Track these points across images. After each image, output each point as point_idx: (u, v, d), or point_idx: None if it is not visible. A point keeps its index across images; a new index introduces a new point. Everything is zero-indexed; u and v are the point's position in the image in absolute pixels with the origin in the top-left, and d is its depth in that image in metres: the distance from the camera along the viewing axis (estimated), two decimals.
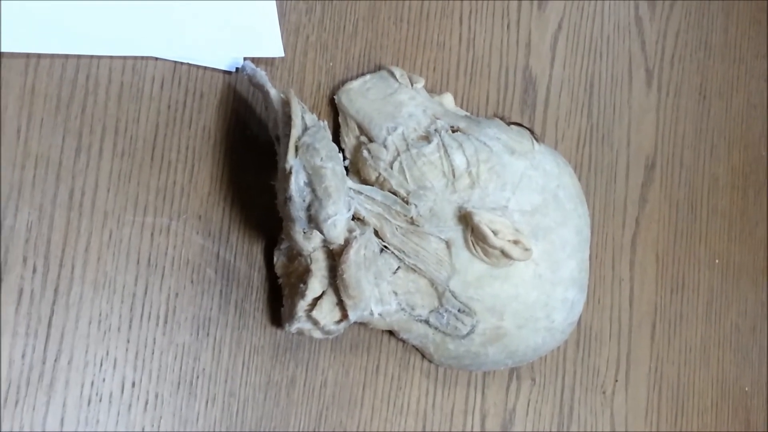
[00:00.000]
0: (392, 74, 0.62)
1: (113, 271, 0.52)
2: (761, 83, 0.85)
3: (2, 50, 0.49)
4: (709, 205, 0.78)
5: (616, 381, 0.70)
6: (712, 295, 0.77)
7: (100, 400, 0.51)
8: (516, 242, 0.57)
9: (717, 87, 0.81)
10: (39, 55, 0.51)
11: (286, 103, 0.53)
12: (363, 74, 0.61)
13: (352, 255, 0.53)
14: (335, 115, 0.60)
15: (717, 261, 0.78)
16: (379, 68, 0.62)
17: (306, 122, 0.52)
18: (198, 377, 0.54)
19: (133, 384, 0.52)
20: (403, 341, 0.60)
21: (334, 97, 0.60)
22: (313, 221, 0.51)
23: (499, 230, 0.56)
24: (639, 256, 0.73)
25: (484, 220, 0.56)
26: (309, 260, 0.54)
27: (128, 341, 0.52)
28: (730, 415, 0.75)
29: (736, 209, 0.80)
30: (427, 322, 0.58)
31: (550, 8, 0.73)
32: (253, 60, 0.57)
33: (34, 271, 0.50)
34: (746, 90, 0.83)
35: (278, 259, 0.56)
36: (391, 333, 0.60)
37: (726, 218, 0.79)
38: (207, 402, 0.54)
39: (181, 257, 0.54)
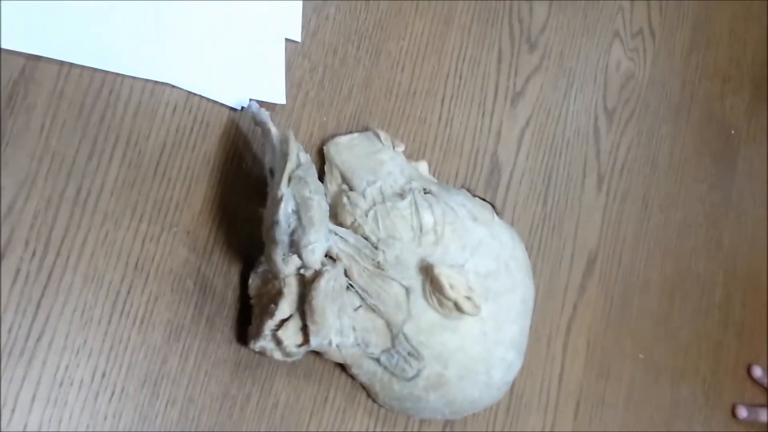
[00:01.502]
0: (377, 136, 0.68)
1: (103, 268, 0.56)
2: (697, 206, 0.94)
3: (28, 52, 0.55)
4: (640, 304, 0.86)
5: None
6: (633, 386, 0.83)
7: (71, 384, 0.54)
8: (468, 298, 0.63)
9: (659, 201, 0.90)
10: (71, 65, 0.57)
11: (284, 141, 0.59)
12: (351, 132, 0.68)
13: (323, 284, 0.58)
14: (321, 164, 0.67)
15: (641, 356, 0.85)
16: (366, 129, 0.69)
17: (300, 159, 0.58)
18: (163, 378, 0.57)
19: (104, 375, 0.55)
20: (353, 377, 0.65)
21: (323, 147, 0.67)
22: (294, 246, 0.56)
23: (455, 285, 0.63)
24: (572, 339, 0.80)
25: (443, 273, 0.62)
26: (283, 284, 0.59)
27: (105, 334, 0.56)
28: None
29: (663, 312, 0.88)
30: (378, 360, 0.63)
31: (521, 106, 0.81)
32: (258, 102, 0.63)
33: (33, 254, 0.54)
34: (684, 209, 0.92)
35: (253, 281, 0.61)
36: (342, 367, 0.64)
37: (653, 319, 0.86)
38: (167, 403, 0.57)
39: (166, 266, 0.59)
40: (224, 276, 0.61)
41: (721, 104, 0.97)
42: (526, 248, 0.72)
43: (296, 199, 0.57)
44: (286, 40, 0.66)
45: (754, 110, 0.99)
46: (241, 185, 0.63)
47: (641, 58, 0.90)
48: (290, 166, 0.57)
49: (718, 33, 0.98)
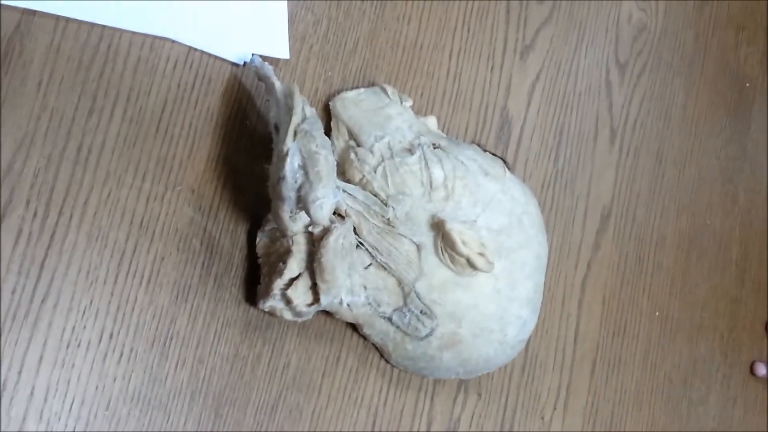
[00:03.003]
0: (384, 91, 0.67)
1: (107, 227, 0.55)
2: (712, 160, 0.92)
3: (23, 6, 0.53)
4: (655, 260, 0.84)
5: (555, 409, 0.74)
6: (649, 344, 0.82)
7: (78, 346, 0.53)
8: (481, 254, 0.61)
9: (673, 155, 0.88)
10: (68, 19, 0.55)
11: (288, 95, 0.57)
12: (358, 87, 0.66)
13: (332, 241, 0.57)
14: (328, 120, 0.65)
15: (657, 314, 0.83)
16: (372, 84, 0.67)
17: (306, 113, 0.57)
18: (172, 339, 0.56)
19: (111, 336, 0.54)
20: (365, 337, 0.63)
21: (329, 103, 0.65)
22: (302, 202, 0.55)
23: (468, 241, 0.61)
24: (587, 297, 0.78)
25: (455, 229, 0.61)
26: (291, 242, 0.57)
27: (112, 294, 0.55)
28: None
29: (679, 269, 0.86)
30: (390, 319, 0.62)
31: (531, 59, 0.79)
32: (260, 57, 0.61)
33: (35, 214, 0.53)
34: (698, 163, 0.90)
35: (260, 240, 0.60)
36: (354, 328, 0.63)
37: (669, 275, 0.85)
38: (177, 364, 0.56)
39: (171, 225, 0.57)
40: (231, 235, 0.60)
41: (736, 55, 0.95)
42: (539, 205, 0.70)
43: (302, 154, 0.55)
44: None
45: None
46: (245, 142, 0.61)
47: (653, 9, 0.88)
48: (295, 119, 0.56)
49: None
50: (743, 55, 0.95)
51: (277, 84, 0.58)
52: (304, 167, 0.55)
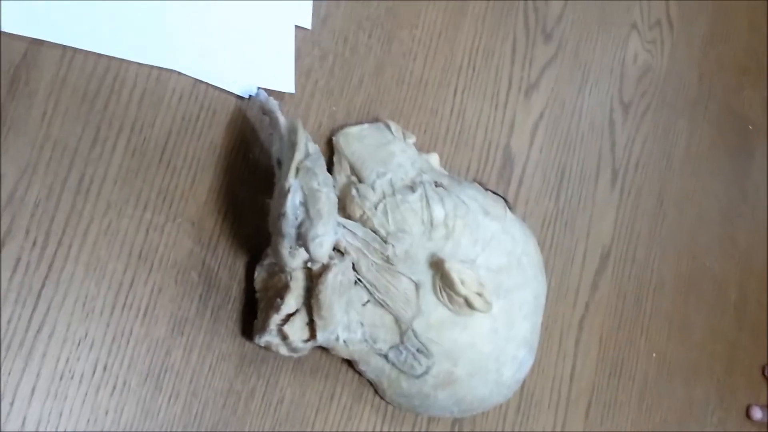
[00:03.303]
0: (388, 127, 0.67)
1: (106, 258, 0.55)
2: (712, 202, 0.92)
3: (39, 37, 0.54)
4: (653, 302, 0.84)
5: None
6: (646, 385, 0.82)
7: (72, 377, 0.53)
8: (479, 294, 0.61)
9: (674, 196, 0.88)
10: (75, 50, 0.55)
11: (292, 130, 0.57)
12: (361, 122, 0.67)
13: (330, 278, 0.57)
14: (330, 155, 0.65)
15: (654, 355, 0.83)
16: (376, 120, 0.68)
17: (309, 149, 0.57)
18: (166, 372, 0.56)
19: (105, 368, 0.54)
20: (360, 373, 0.63)
21: (332, 137, 0.65)
22: (302, 239, 0.55)
23: (466, 281, 0.61)
24: (584, 337, 0.78)
25: (454, 268, 0.61)
26: (289, 277, 0.57)
27: (107, 326, 0.54)
28: None
29: (677, 311, 0.86)
30: (386, 356, 0.61)
31: (535, 98, 0.79)
32: (266, 91, 0.61)
33: (34, 244, 0.53)
34: (700, 205, 0.90)
35: (259, 274, 0.60)
36: (349, 363, 0.63)
37: (667, 317, 0.85)
38: (170, 397, 0.56)
39: (170, 257, 0.57)
40: (229, 268, 0.60)
41: (739, 98, 0.95)
42: (538, 244, 0.70)
43: (304, 191, 0.55)
44: (296, 27, 0.65)
45: None
46: (247, 175, 0.61)
47: (659, 51, 0.88)
48: (298, 156, 0.56)
49: (737, 25, 0.96)
50: (747, 97, 0.96)
51: (282, 119, 0.59)
52: (305, 204, 0.55)
